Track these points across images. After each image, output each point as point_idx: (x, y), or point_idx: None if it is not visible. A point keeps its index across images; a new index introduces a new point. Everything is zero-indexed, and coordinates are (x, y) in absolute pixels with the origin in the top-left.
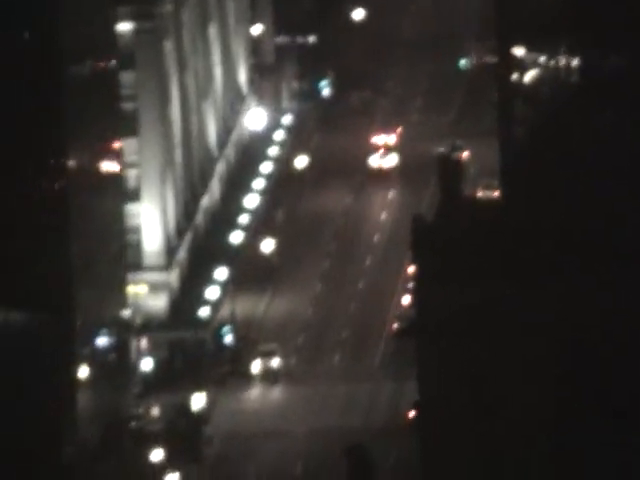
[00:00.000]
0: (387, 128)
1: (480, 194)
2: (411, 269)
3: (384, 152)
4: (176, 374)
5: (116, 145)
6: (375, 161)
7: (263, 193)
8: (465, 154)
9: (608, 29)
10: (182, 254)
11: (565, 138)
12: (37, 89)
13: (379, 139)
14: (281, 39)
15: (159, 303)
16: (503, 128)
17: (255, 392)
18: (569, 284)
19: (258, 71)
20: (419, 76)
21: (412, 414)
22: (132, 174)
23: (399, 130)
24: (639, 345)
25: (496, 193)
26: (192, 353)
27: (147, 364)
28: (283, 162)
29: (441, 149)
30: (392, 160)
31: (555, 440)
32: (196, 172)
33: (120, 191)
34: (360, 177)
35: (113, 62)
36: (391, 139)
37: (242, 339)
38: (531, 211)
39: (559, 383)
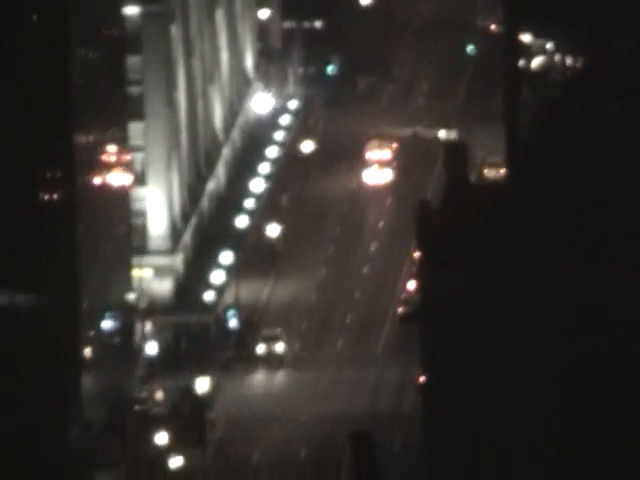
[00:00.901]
0: (383, 143)
1: (486, 172)
2: (417, 254)
3: (379, 168)
4: (181, 358)
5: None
6: (369, 177)
7: (269, 177)
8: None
9: (614, 17)
10: (187, 238)
11: (570, 125)
12: (45, 71)
13: (374, 154)
14: (288, 24)
15: (164, 287)
16: (509, 114)
17: (259, 377)
18: (574, 270)
19: (265, 56)
20: (427, 61)
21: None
22: (138, 158)
23: (394, 146)
24: None
25: (502, 171)
26: (197, 337)
27: (152, 348)
28: (289, 146)
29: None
30: (386, 176)
31: (563, 427)
32: (202, 156)
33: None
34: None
35: (120, 46)
36: (386, 154)
37: (247, 323)
38: (536, 197)
39: (564, 368)
